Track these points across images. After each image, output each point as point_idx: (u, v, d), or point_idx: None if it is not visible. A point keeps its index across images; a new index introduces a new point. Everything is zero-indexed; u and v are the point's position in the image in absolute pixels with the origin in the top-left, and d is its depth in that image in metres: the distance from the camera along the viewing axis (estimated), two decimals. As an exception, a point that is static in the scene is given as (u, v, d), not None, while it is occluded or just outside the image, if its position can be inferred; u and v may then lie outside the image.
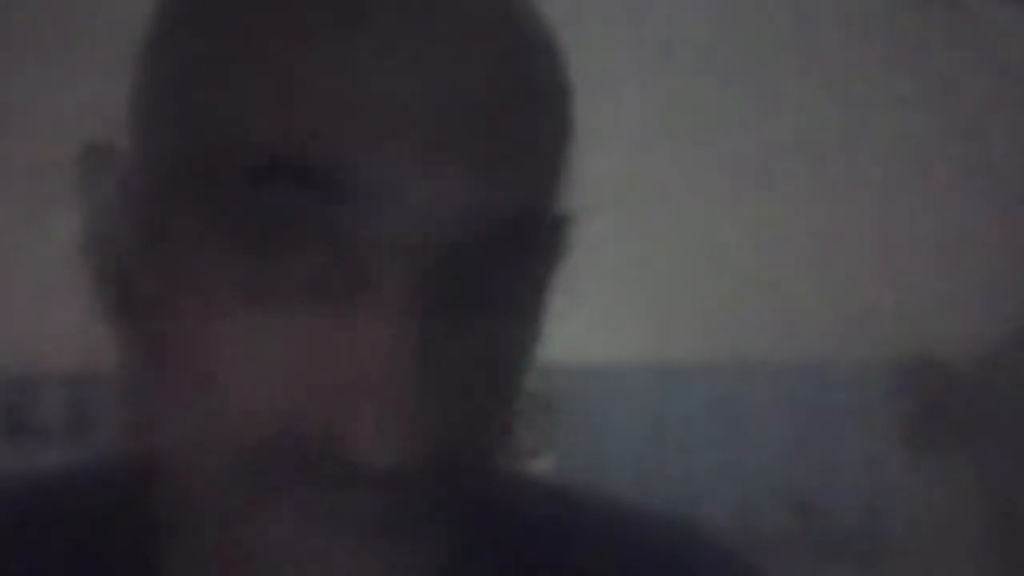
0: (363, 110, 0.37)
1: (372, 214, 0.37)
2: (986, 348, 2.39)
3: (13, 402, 2.65)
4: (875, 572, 2.45)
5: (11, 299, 2.16)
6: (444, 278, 0.38)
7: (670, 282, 2.32)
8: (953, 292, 2.31)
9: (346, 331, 0.37)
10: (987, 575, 2.39)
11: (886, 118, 2.34)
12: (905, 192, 2.35)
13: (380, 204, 0.37)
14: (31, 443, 2.69)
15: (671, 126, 2.33)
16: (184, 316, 0.39)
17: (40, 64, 1.82)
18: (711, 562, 0.53)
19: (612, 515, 0.53)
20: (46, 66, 1.82)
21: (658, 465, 2.46)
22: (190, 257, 0.38)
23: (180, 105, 0.40)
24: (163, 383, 0.40)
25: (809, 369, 2.48)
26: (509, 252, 0.39)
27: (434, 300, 0.37)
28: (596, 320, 2.31)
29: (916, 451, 2.46)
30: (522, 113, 0.39)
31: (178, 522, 0.41)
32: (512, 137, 0.39)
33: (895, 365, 2.43)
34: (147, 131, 0.41)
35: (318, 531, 0.37)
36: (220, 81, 0.38)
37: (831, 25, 2.30)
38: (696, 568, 0.52)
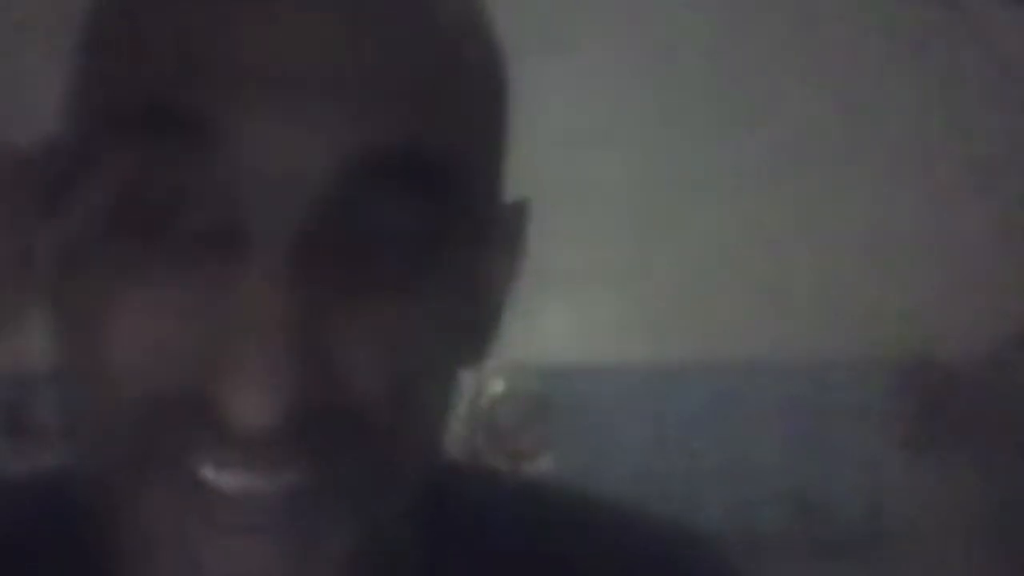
0: (235, 62, 0.36)
1: (242, 166, 0.36)
2: (986, 348, 2.39)
3: (13, 402, 2.65)
4: (875, 572, 2.44)
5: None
6: (319, 235, 0.37)
7: (670, 282, 2.32)
8: (953, 292, 2.31)
9: (220, 293, 0.36)
10: (987, 574, 2.38)
11: (886, 118, 2.33)
12: (905, 192, 2.35)
13: (248, 154, 0.36)
14: (31, 443, 2.68)
15: (672, 126, 2.33)
16: (74, 293, 0.38)
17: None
18: (705, 563, 0.53)
19: (607, 517, 0.53)
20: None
21: (658, 465, 2.46)
22: (79, 232, 0.38)
23: (87, 73, 0.40)
24: (66, 364, 0.39)
25: (809, 369, 2.47)
26: (400, 211, 0.38)
27: (309, 258, 0.36)
28: (596, 320, 2.31)
29: (916, 451, 2.45)
30: (410, 68, 0.38)
31: (113, 517, 0.41)
32: (394, 91, 0.37)
33: (895, 365, 2.43)
34: (65, 104, 0.41)
35: (207, 507, 0.37)
36: (120, 46, 0.38)
37: (831, 25, 2.29)
38: (690, 570, 0.52)
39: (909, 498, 2.43)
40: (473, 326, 0.44)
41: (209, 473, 0.37)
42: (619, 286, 2.31)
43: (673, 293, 2.33)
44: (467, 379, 0.44)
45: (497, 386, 2.31)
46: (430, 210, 0.39)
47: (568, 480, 2.37)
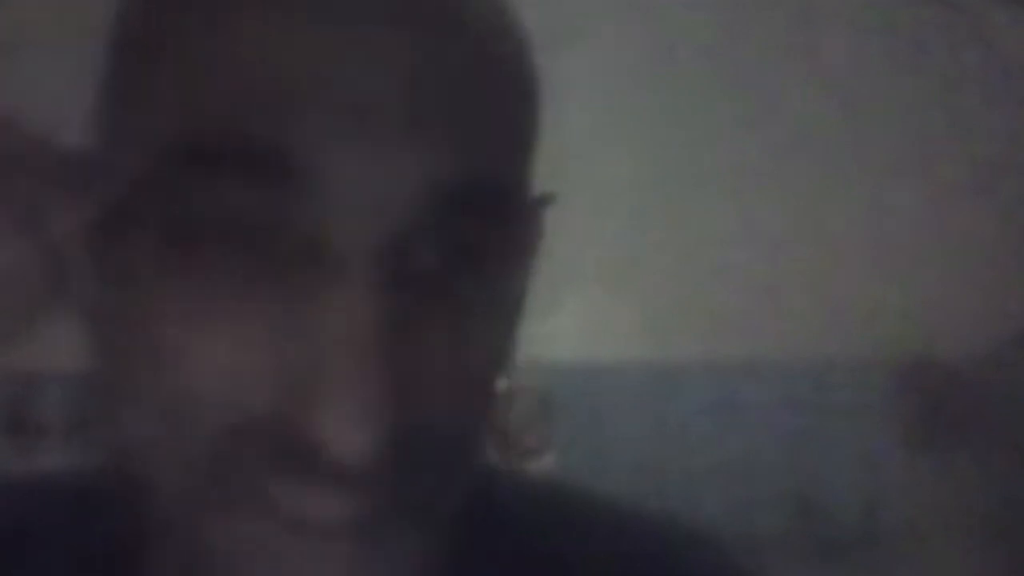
0: (313, 93, 0.37)
1: (327, 196, 0.36)
2: (986, 348, 2.39)
3: (13, 402, 2.65)
4: (874, 571, 2.45)
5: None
6: (404, 259, 0.37)
7: (670, 282, 2.32)
8: (953, 292, 2.31)
9: (306, 318, 0.36)
10: (987, 574, 2.38)
11: (886, 118, 2.34)
12: (905, 192, 2.35)
13: (333, 186, 0.36)
14: (31, 443, 2.68)
15: (673, 126, 2.33)
16: (144, 313, 0.38)
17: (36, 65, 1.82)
18: (707, 561, 0.53)
19: (609, 515, 0.53)
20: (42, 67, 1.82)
21: (658, 465, 2.46)
22: (146, 251, 0.38)
23: (137, 93, 0.40)
24: (129, 384, 0.39)
25: (809, 369, 2.47)
26: (472, 231, 0.38)
27: (395, 282, 0.37)
28: (596, 320, 2.31)
29: (916, 451, 2.45)
30: (477, 93, 0.39)
31: (156, 526, 0.41)
32: (467, 115, 0.38)
33: (895, 365, 2.43)
34: (107, 123, 0.41)
35: (286, 532, 0.37)
36: (174, 67, 0.38)
37: (831, 25, 2.29)
38: (692, 567, 0.52)
39: (909, 497, 2.43)
40: (512, 331, 0.45)
41: (292, 499, 0.37)
42: (620, 286, 2.31)
43: (673, 293, 2.33)
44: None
45: (499, 385, 2.31)
46: (494, 232, 0.39)
47: (569, 478, 2.37)
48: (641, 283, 2.31)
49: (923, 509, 2.40)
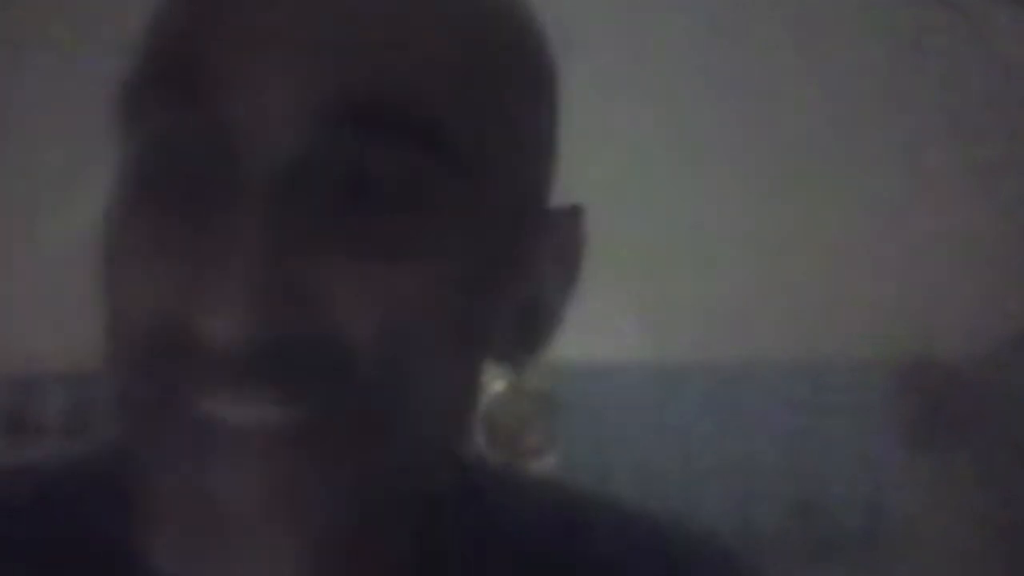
0: (221, 10, 0.38)
1: (232, 114, 0.38)
2: (986, 348, 2.39)
3: (13, 402, 2.65)
4: (874, 571, 2.45)
5: (11, 299, 2.16)
6: (305, 178, 0.38)
7: (670, 282, 2.32)
8: (953, 292, 2.31)
9: (209, 231, 0.37)
10: (987, 574, 2.38)
11: (886, 118, 2.33)
12: (905, 192, 2.35)
13: (237, 102, 0.38)
14: (31, 443, 2.69)
15: (671, 125, 2.33)
16: (104, 234, 0.41)
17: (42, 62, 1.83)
18: (712, 562, 0.53)
19: (607, 516, 0.53)
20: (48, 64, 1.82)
21: (658, 465, 2.46)
22: (115, 176, 0.41)
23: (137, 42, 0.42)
24: (97, 306, 0.41)
25: (809, 369, 2.47)
26: (387, 161, 0.39)
27: (296, 199, 0.38)
28: (596, 320, 2.31)
29: (916, 451, 2.45)
30: (399, 22, 0.39)
31: (137, 482, 0.41)
32: (382, 42, 0.39)
33: (895, 365, 2.43)
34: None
35: (204, 439, 0.38)
36: (151, 14, 0.41)
37: (831, 25, 2.29)
38: (695, 570, 0.52)
39: (909, 498, 2.43)
40: (509, 319, 0.45)
41: (203, 403, 0.38)
42: (620, 286, 2.31)
43: (673, 293, 2.33)
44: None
45: (499, 384, 2.31)
46: (412, 167, 0.39)
47: (570, 478, 2.37)
48: (641, 283, 2.31)
49: (923, 509, 2.40)
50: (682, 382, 2.45)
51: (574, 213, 0.48)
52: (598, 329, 2.33)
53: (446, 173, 0.40)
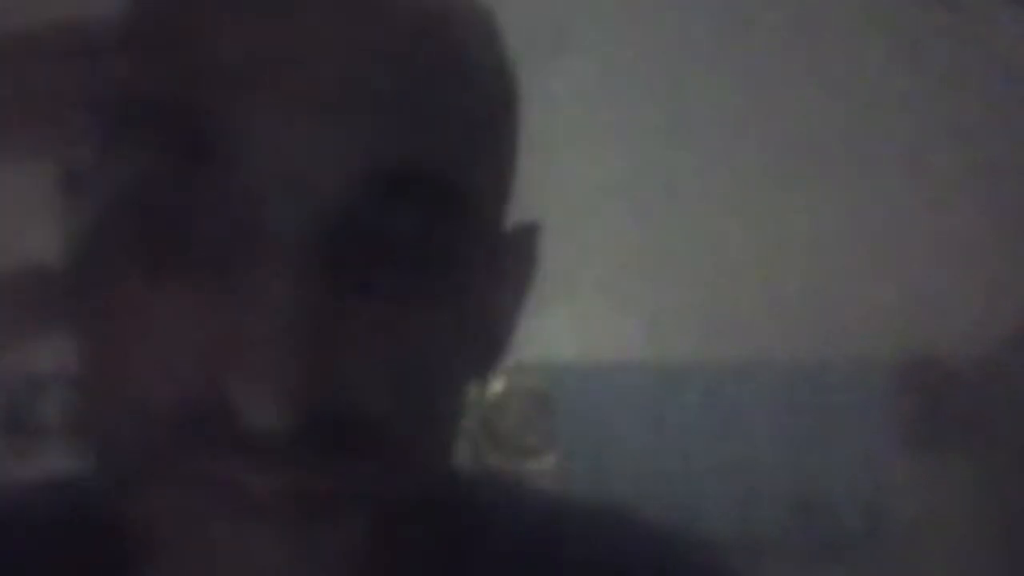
0: (242, 72, 0.37)
1: (257, 177, 0.36)
2: (986, 348, 2.39)
3: (13, 402, 2.65)
4: (875, 572, 2.45)
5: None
6: (332, 242, 0.37)
7: (669, 282, 2.32)
8: (953, 292, 2.31)
9: (236, 298, 0.36)
10: (988, 574, 2.38)
11: (886, 118, 2.33)
12: (905, 192, 2.35)
13: (262, 166, 0.36)
14: (31, 443, 2.68)
15: (671, 125, 2.32)
16: (95, 298, 0.39)
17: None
18: (702, 567, 0.52)
19: (607, 524, 0.53)
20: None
21: (658, 465, 2.46)
22: (98, 235, 0.39)
23: (113, 63, 0.40)
24: (90, 371, 0.40)
25: (809, 369, 2.47)
26: (411, 221, 0.38)
27: (325, 267, 0.37)
28: (596, 320, 2.31)
29: (916, 451, 2.45)
30: (416, 82, 0.39)
31: (130, 519, 0.41)
32: (403, 104, 0.38)
33: (895, 365, 2.43)
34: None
35: (222, 509, 0.37)
36: (141, 41, 0.39)
37: (831, 25, 2.29)
38: (687, 573, 0.51)
39: (909, 498, 2.43)
40: (480, 341, 0.45)
41: (225, 475, 0.37)
42: (620, 286, 2.31)
43: (673, 293, 2.33)
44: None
45: (498, 385, 2.31)
46: (436, 224, 0.39)
47: (570, 478, 2.37)
48: (641, 283, 2.31)
49: (923, 509, 2.39)
50: (682, 382, 2.45)
51: (529, 231, 0.48)
52: (598, 329, 2.32)
53: (465, 228, 0.40)
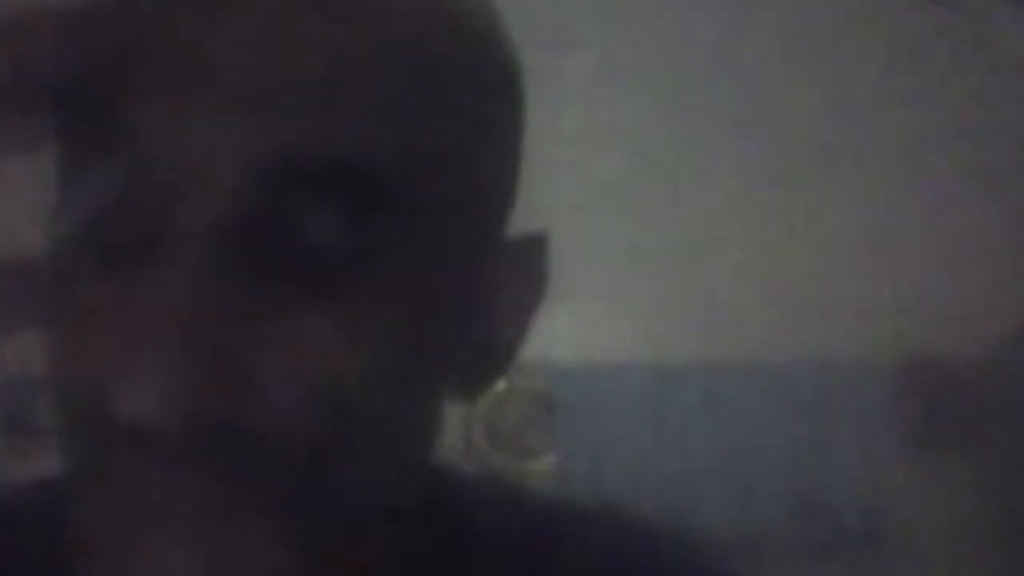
0: (149, 55, 0.35)
1: (163, 169, 0.35)
2: (986, 348, 2.39)
3: (13, 402, 2.65)
4: (875, 572, 2.44)
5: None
6: (240, 239, 0.35)
7: (669, 282, 2.32)
8: (953, 292, 2.31)
9: (144, 288, 0.35)
10: (987, 574, 2.38)
11: (886, 118, 2.33)
12: (905, 192, 2.35)
13: (166, 155, 0.35)
14: (31, 443, 2.68)
15: (672, 125, 2.33)
16: (51, 294, 0.39)
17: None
18: (698, 568, 0.52)
19: (598, 526, 0.52)
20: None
21: (658, 465, 2.46)
22: (52, 230, 0.38)
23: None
24: (43, 368, 0.39)
25: (809, 369, 2.47)
26: (336, 220, 0.36)
27: (236, 260, 0.35)
28: (596, 320, 2.31)
29: (916, 451, 2.45)
30: (344, 70, 0.36)
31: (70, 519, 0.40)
32: (324, 92, 0.36)
33: (895, 365, 2.43)
34: None
35: (127, 512, 0.36)
36: (62, 40, 0.38)
37: (832, 25, 2.29)
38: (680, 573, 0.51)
39: (909, 498, 2.43)
40: (457, 355, 0.43)
41: (128, 475, 0.36)
42: (620, 286, 2.31)
43: (673, 293, 2.33)
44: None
45: (498, 384, 2.31)
46: (363, 224, 0.37)
47: (569, 478, 2.37)
48: (641, 283, 2.31)
49: (924, 508, 2.39)
50: (682, 382, 2.45)
51: (538, 241, 0.46)
52: (598, 329, 2.32)
53: (392, 227, 0.37)
